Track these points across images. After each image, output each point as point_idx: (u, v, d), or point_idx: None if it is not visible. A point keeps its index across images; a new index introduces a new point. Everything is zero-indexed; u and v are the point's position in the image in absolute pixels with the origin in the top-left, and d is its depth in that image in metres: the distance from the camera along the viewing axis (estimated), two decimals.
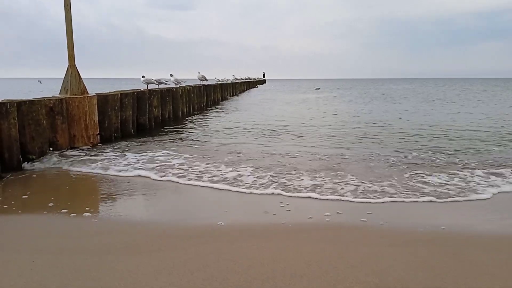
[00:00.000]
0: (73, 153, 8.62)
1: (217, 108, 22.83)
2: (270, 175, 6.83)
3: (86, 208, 5.12)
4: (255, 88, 60.63)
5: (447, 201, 5.55)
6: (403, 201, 5.56)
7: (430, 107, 23.87)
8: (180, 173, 7.11)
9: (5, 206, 5.26)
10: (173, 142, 10.68)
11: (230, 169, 7.34)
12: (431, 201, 5.55)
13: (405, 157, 8.58)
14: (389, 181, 6.47)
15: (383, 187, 6.09)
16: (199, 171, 7.19)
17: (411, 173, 7.04)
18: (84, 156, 8.37)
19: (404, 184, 6.29)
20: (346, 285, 3.16)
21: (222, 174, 6.96)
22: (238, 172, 7.07)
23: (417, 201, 5.54)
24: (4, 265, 3.57)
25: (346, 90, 57.02)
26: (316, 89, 58.41)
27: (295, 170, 7.22)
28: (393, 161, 8.12)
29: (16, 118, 7.42)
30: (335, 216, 4.90)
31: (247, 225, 4.65)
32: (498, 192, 5.98)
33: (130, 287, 3.16)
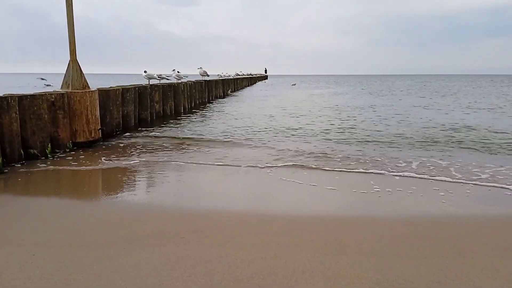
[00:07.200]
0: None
1: (219, 103, 22.78)
2: None
3: None
4: (256, 84, 60.75)
5: None
6: None
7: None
8: None
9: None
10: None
11: None
12: None
13: None
14: None
15: None
16: None
17: None
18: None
19: None
20: None
21: None
22: None
23: None
24: (5, 258, 3.56)
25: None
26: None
27: None
28: None
29: (17, 113, 7.40)
30: None
31: None
32: None
33: (131, 281, 3.16)
